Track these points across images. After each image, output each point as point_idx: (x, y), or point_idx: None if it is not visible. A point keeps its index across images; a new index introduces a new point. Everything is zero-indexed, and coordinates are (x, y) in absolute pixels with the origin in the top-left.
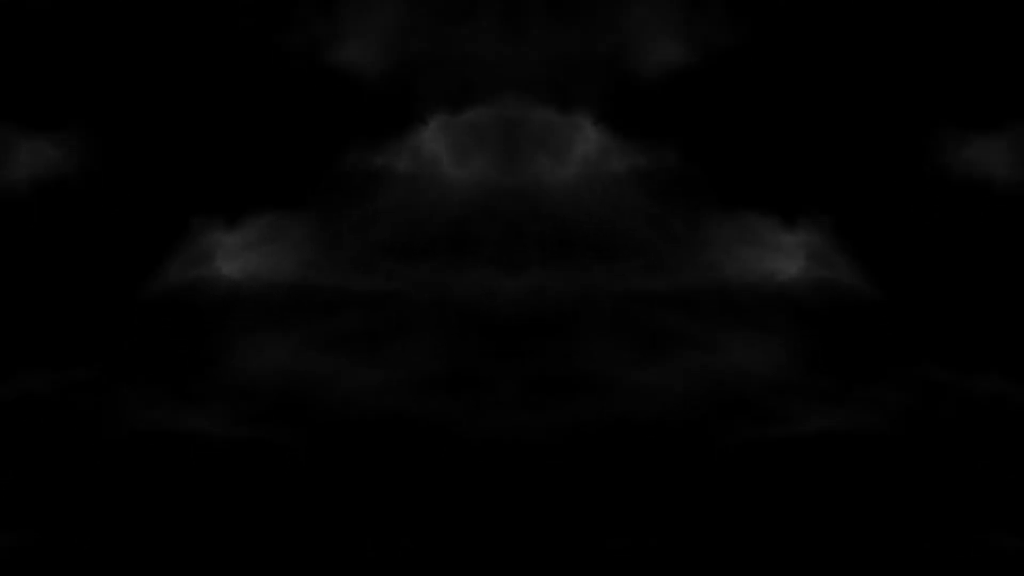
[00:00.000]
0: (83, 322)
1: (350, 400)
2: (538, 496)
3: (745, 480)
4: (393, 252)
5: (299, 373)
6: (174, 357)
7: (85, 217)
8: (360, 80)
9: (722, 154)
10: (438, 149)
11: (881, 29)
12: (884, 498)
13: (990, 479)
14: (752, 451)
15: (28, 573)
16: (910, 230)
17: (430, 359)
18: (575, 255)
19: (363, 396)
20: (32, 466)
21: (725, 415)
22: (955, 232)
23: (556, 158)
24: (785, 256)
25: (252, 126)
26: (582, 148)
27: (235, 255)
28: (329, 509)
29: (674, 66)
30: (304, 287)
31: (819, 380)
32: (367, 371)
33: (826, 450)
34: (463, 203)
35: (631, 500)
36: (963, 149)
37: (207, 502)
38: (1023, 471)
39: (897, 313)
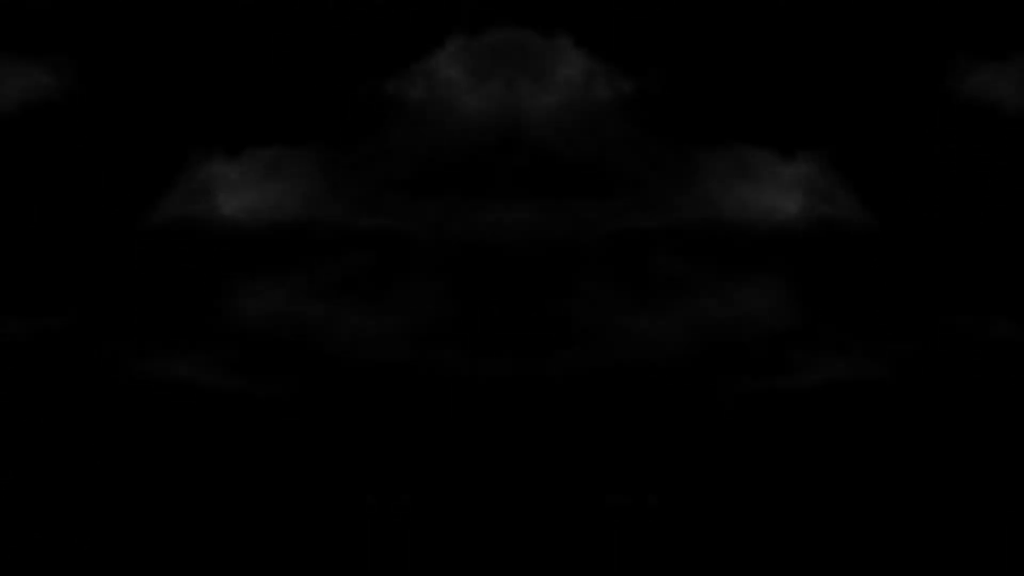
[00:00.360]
0: (71, 262)
1: (351, 349)
2: (535, 450)
3: (747, 434)
4: (402, 188)
5: (299, 320)
6: (167, 301)
7: (77, 147)
8: None
9: (711, 80)
10: (454, 73)
11: None
12: (892, 450)
13: (1000, 429)
14: (754, 403)
15: (10, 529)
16: (915, 162)
17: (431, 305)
18: (582, 192)
19: (365, 344)
20: (16, 417)
21: (725, 366)
22: (963, 163)
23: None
24: (784, 190)
25: (255, 50)
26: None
27: (235, 190)
28: (328, 463)
29: None
30: (307, 226)
31: (822, 327)
32: (370, 318)
33: (831, 401)
34: (478, 134)
35: (631, 454)
36: (971, 75)
37: (198, 455)
38: None
39: (903, 253)
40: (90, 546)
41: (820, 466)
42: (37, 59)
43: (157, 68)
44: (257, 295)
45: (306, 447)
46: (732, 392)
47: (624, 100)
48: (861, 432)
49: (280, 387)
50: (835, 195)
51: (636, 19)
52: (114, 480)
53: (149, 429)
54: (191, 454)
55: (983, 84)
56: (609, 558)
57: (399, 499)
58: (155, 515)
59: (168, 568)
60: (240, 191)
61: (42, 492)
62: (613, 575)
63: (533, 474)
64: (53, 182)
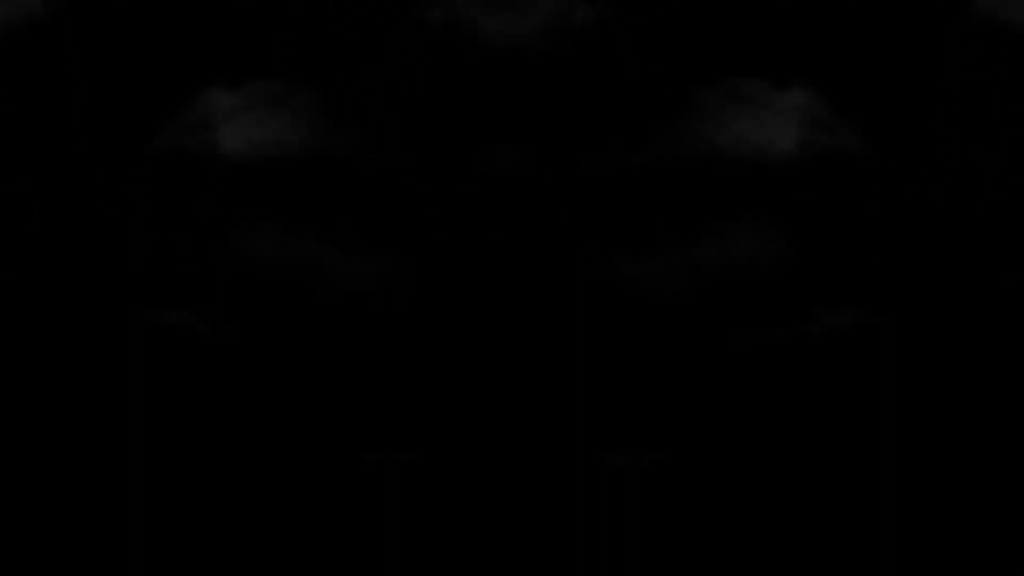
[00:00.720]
0: (56, 200)
1: (353, 294)
2: (532, 406)
3: (749, 385)
4: (409, 120)
5: (298, 263)
6: (160, 242)
7: (65, 73)
8: None
9: (696, 3)
10: None
11: None
12: (900, 400)
13: (1011, 376)
14: (757, 353)
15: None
16: (922, 88)
17: (434, 247)
18: (576, 126)
19: (367, 290)
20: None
21: (726, 314)
22: (975, 89)
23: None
24: (779, 122)
25: None
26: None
27: (235, 123)
28: (324, 417)
29: None
30: (313, 162)
31: (824, 270)
32: (376, 261)
33: (836, 349)
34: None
35: (629, 409)
36: None
37: (188, 406)
38: None
39: (908, 189)
40: (84, 499)
41: (826, 418)
42: None
43: None
44: (256, 237)
45: (301, 400)
46: (735, 342)
47: (607, 25)
48: (868, 382)
49: (275, 336)
50: (834, 126)
51: None
52: (105, 430)
53: (140, 378)
54: (181, 405)
55: (995, 3)
56: (607, 518)
57: (399, 457)
58: (145, 470)
59: (159, 521)
60: (240, 124)
61: (35, 443)
62: (611, 535)
63: (530, 431)
64: (37, 112)
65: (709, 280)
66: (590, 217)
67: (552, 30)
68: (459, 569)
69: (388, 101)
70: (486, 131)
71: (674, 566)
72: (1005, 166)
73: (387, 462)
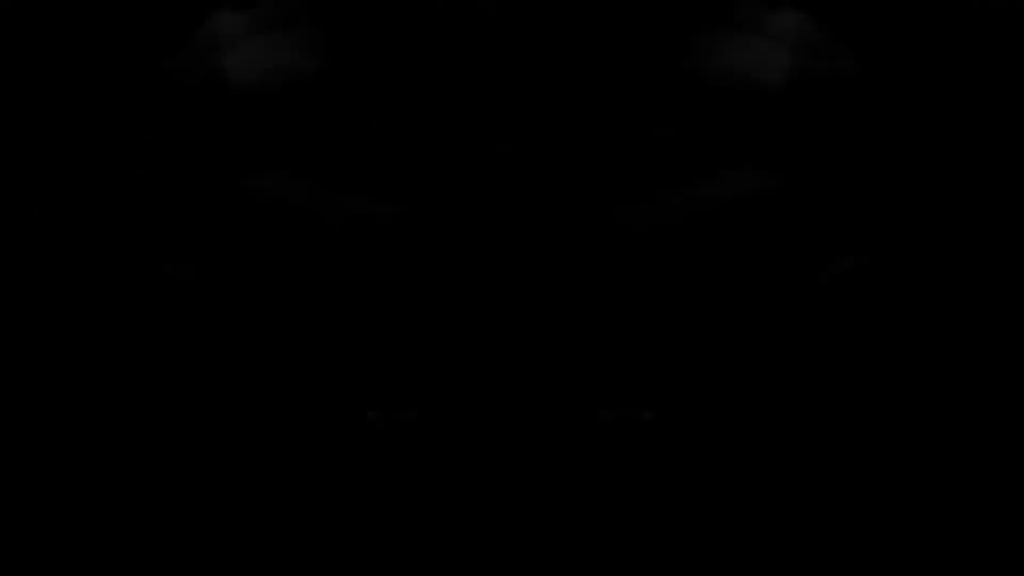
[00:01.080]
0: (48, 141)
1: (357, 239)
2: (528, 363)
3: (750, 343)
4: (424, 46)
5: (302, 204)
6: (161, 180)
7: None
8: None
9: None
10: None
11: None
12: (905, 353)
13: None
14: (757, 308)
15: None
16: (919, 8)
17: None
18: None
19: (372, 234)
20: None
21: (725, 263)
22: (977, 16)
23: None
24: (773, 48)
25: None
26: None
27: (243, 48)
28: (331, 375)
29: None
30: (321, 92)
31: (828, 217)
32: (377, 208)
33: (842, 299)
34: None
35: (624, 366)
36: None
37: (184, 368)
38: None
39: (908, 117)
40: (81, 461)
41: (828, 376)
42: None
43: None
44: (262, 173)
45: (301, 357)
46: (734, 296)
47: None
48: (875, 333)
49: (276, 286)
50: (828, 51)
51: None
52: (98, 392)
53: (135, 333)
54: (178, 366)
55: None
56: (603, 477)
57: (403, 416)
58: (142, 434)
59: (158, 483)
60: (247, 51)
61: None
62: (608, 494)
63: (526, 389)
64: (36, 42)
65: (709, 223)
66: (586, 166)
67: None
68: (461, 525)
69: (398, 31)
70: (493, 66)
71: (668, 524)
72: (1004, 93)
73: (390, 420)
